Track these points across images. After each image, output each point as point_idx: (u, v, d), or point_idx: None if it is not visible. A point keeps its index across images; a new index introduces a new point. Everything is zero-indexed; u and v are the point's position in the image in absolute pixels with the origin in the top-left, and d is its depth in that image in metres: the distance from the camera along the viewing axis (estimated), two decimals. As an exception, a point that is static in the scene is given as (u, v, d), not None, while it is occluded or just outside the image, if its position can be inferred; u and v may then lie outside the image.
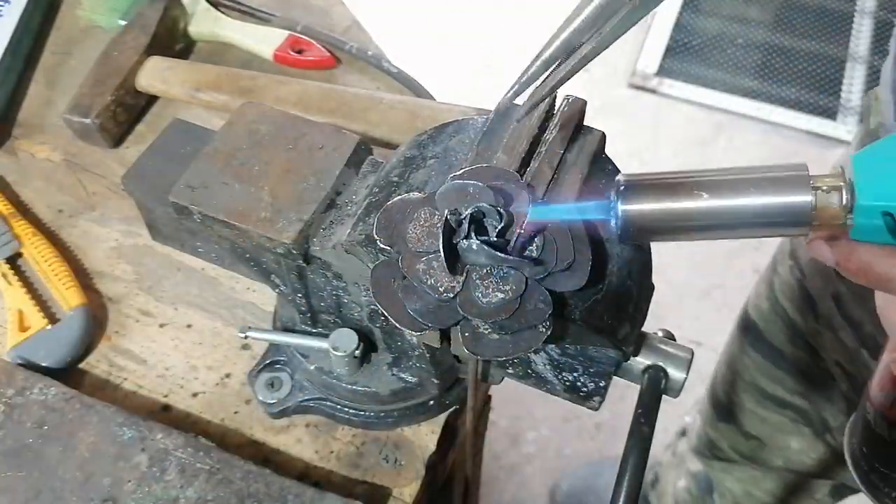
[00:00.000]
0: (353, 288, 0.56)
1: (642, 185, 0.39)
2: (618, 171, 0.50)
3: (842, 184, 0.36)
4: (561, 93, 0.52)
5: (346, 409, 0.64)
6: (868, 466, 0.56)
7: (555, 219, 0.44)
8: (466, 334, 0.43)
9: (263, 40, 0.89)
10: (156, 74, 0.83)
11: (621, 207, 0.39)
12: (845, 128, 2.17)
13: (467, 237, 0.42)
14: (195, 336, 0.70)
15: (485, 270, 0.42)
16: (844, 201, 0.36)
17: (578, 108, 0.51)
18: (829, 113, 2.21)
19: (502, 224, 0.42)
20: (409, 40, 2.15)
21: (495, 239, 0.42)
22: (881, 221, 0.35)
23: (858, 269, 0.37)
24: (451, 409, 0.65)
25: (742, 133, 2.16)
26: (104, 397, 0.64)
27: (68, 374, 0.67)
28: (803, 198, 0.37)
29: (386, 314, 0.43)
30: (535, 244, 0.43)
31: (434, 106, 0.79)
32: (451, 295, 0.42)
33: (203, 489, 0.58)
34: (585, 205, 0.43)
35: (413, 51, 1.82)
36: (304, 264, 0.54)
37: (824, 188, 0.36)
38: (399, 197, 0.47)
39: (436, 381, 0.60)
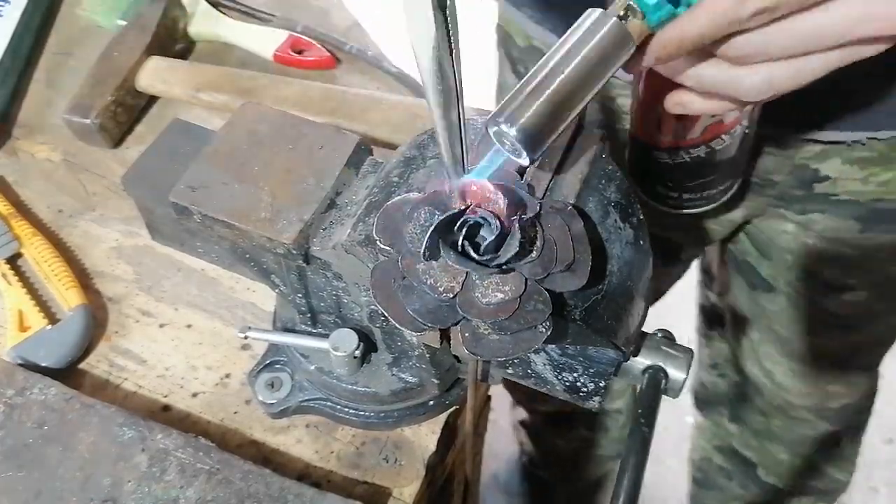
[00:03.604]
0: (353, 288, 0.56)
1: (512, 105, 0.43)
2: (617, 171, 0.50)
3: (630, 2, 0.43)
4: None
5: (346, 409, 0.64)
6: (661, 187, 0.74)
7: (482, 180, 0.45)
8: (466, 334, 0.43)
9: (263, 41, 0.89)
10: (156, 74, 0.83)
11: (513, 130, 0.42)
12: (845, 128, 2.17)
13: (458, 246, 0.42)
14: (195, 336, 0.70)
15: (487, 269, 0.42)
16: (639, 15, 0.42)
17: (578, 108, 0.51)
18: (830, 113, 2.21)
19: (496, 234, 0.42)
20: (409, 40, 2.15)
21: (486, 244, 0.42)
22: (665, 9, 0.42)
23: (667, 49, 0.44)
24: (451, 409, 0.65)
25: (742, 133, 2.15)
26: (104, 397, 0.64)
27: (68, 374, 0.67)
28: (612, 20, 0.43)
29: (386, 314, 0.43)
30: (536, 245, 0.43)
31: (434, 106, 0.79)
32: (451, 295, 0.42)
33: (203, 489, 0.58)
34: (486, 162, 0.45)
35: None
36: (304, 264, 0.54)
37: (621, 14, 0.43)
38: (399, 197, 0.47)
39: (436, 381, 0.60)
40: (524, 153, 0.43)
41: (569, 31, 0.43)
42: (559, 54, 0.43)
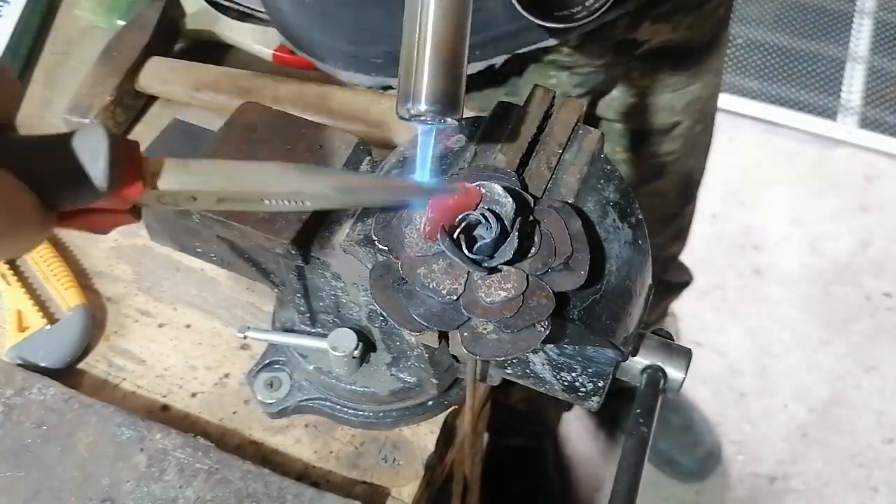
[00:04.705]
0: (352, 288, 0.56)
1: (405, 85, 0.41)
2: (616, 171, 0.50)
3: None
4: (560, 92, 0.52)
5: (345, 409, 0.64)
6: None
7: (427, 178, 0.45)
8: (465, 334, 0.43)
9: (263, 40, 0.89)
10: (155, 74, 0.83)
11: (423, 106, 0.40)
12: (845, 128, 2.17)
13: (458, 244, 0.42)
14: (194, 336, 0.70)
15: (486, 271, 0.42)
16: None
17: (577, 107, 0.51)
18: (829, 113, 2.21)
19: (495, 234, 0.42)
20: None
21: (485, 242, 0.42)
22: None
23: None
24: (449, 409, 0.65)
25: (742, 133, 2.16)
26: (103, 397, 0.64)
27: (67, 374, 0.67)
28: None
29: (384, 315, 0.43)
30: (534, 242, 0.43)
31: (433, 106, 0.79)
32: (455, 297, 0.42)
33: (202, 489, 0.58)
34: (420, 147, 0.44)
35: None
36: (303, 264, 0.54)
37: None
38: (397, 197, 0.47)
39: (434, 381, 0.60)
40: (448, 117, 0.41)
41: None
42: (414, 11, 0.40)
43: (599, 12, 0.72)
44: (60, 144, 0.34)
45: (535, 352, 0.52)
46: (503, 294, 0.42)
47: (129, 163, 0.36)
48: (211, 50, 0.91)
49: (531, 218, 0.44)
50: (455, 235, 0.42)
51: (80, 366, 0.68)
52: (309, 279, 0.58)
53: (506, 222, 0.43)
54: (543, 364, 0.52)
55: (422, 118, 0.41)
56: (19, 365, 0.65)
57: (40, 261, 0.71)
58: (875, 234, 1.99)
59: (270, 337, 0.63)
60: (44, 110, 0.85)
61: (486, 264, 0.42)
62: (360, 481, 0.63)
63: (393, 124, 0.77)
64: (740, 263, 1.94)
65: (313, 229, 0.53)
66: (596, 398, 0.52)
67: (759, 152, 2.15)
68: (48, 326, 0.68)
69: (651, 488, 1.66)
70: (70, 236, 0.76)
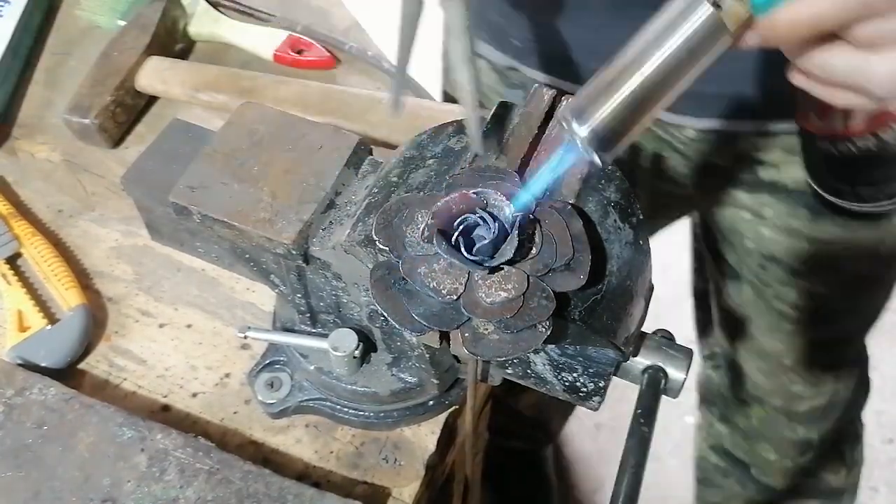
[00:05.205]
0: (353, 288, 0.56)
1: (586, 99, 0.40)
2: (617, 171, 0.50)
3: None
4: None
5: (346, 409, 0.64)
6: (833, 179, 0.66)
7: (539, 189, 0.44)
8: (466, 335, 0.43)
9: (263, 40, 0.89)
10: (155, 75, 0.83)
11: (584, 131, 0.39)
12: (845, 128, 2.17)
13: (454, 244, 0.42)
14: (195, 336, 0.70)
15: (486, 270, 0.42)
16: None
17: (578, 108, 0.51)
18: (830, 113, 2.21)
19: (494, 234, 0.42)
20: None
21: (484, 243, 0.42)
22: None
23: (783, 29, 0.37)
24: (450, 409, 0.65)
25: (742, 133, 2.16)
26: (104, 397, 0.64)
27: (68, 374, 0.67)
28: (705, 8, 0.37)
29: (385, 315, 0.43)
30: (535, 243, 0.43)
31: (434, 106, 0.79)
32: (455, 297, 0.42)
33: (202, 489, 0.58)
34: (555, 158, 0.44)
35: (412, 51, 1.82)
36: (304, 264, 0.54)
37: None
38: (398, 197, 0.47)
39: (435, 381, 0.60)
40: (595, 155, 0.40)
41: (654, 18, 0.38)
42: (641, 45, 0.38)
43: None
44: None
45: (536, 352, 0.52)
46: (503, 294, 0.42)
47: None
48: (211, 50, 0.91)
49: (532, 218, 0.44)
50: (454, 238, 0.42)
51: (81, 366, 0.68)
52: (309, 279, 0.58)
53: (505, 222, 0.43)
54: (544, 364, 0.52)
55: (573, 136, 0.40)
56: (20, 365, 0.65)
57: (41, 261, 0.71)
58: (875, 234, 1.98)
59: (271, 337, 0.63)
60: (44, 110, 0.85)
61: (486, 264, 0.42)
62: (361, 481, 0.63)
63: (394, 124, 0.77)
64: (740, 263, 1.94)
65: (314, 229, 0.53)
66: (597, 398, 0.52)
67: (760, 152, 2.15)
68: (49, 326, 0.67)
69: (651, 488, 1.65)
70: (71, 236, 0.76)
